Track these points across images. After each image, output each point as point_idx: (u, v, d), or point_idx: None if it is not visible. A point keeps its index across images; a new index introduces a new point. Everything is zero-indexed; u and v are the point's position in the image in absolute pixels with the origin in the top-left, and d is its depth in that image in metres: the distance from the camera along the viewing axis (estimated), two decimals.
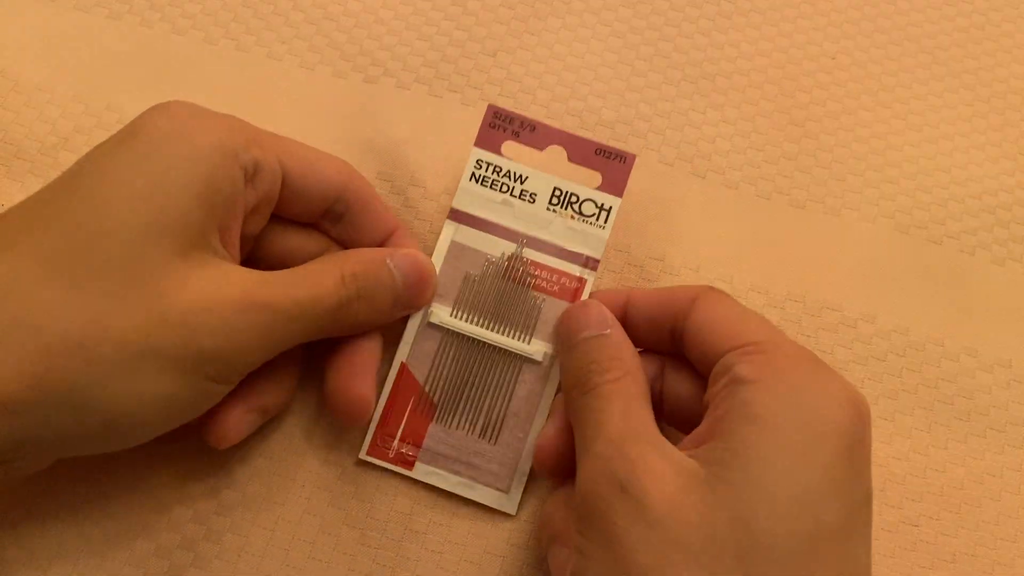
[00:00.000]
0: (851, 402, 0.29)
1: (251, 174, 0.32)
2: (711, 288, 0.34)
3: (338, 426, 0.38)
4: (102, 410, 0.28)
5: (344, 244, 0.37)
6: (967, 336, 0.42)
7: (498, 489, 0.36)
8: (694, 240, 0.42)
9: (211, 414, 0.33)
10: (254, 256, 0.36)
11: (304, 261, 0.35)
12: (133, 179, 0.29)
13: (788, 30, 0.48)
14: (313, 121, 0.43)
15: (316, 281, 0.33)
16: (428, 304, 0.37)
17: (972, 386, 0.41)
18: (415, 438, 0.37)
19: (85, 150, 0.31)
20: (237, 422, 0.34)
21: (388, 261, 0.35)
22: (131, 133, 0.31)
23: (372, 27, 0.46)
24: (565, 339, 0.35)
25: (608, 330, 0.34)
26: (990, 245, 0.44)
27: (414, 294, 0.36)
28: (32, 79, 0.43)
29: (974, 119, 0.47)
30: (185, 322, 0.29)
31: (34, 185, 0.40)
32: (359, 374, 0.35)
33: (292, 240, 0.36)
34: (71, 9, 0.45)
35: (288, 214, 0.35)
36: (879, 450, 0.39)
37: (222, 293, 0.30)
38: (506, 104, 0.44)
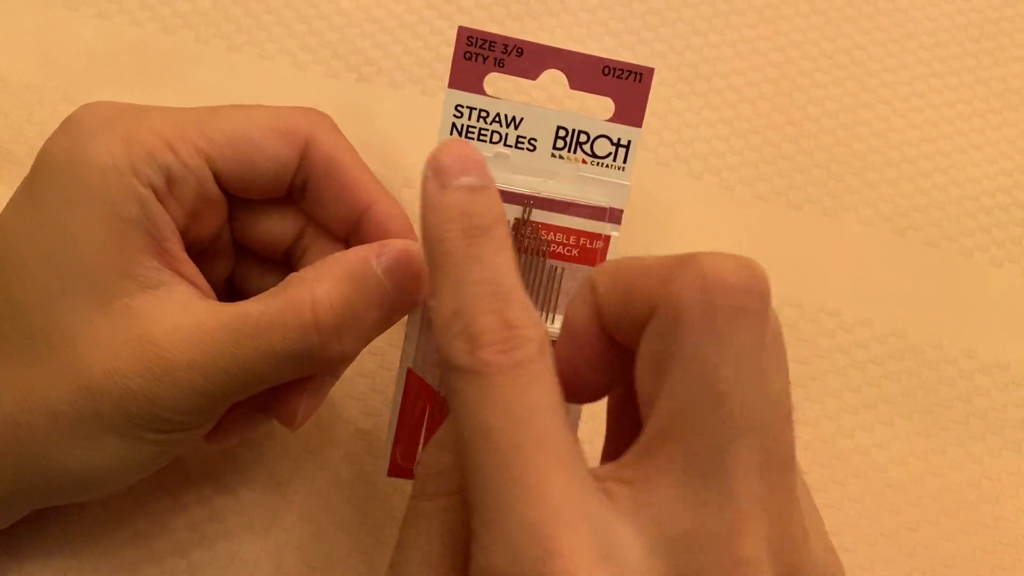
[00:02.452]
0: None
1: (164, 188, 0.28)
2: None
3: (332, 431, 0.37)
4: (58, 476, 0.27)
5: (316, 221, 0.32)
6: (965, 339, 0.41)
7: None
8: (690, 242, 0.42)
9: (277, 395, 0.30)
10: (232, 247, 0.33)
11: (284, 246, 0.32)
12: (36, 233, 0.27)
13: (785, 29, 0.48)
14: None
15: (269, 325, 0.27)
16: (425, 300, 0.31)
17: (970, 389, 0.41)
18: None
19: None
20: (304, 401, 0.31)
21: (374, 265, 0.28)
22: (35, 170, 0.28)
23: (365, 26, 0.46)
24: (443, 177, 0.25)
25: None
26: (988, 247, 0.43)
27: (410, 299, 0.30)
28: (20, 79, 0.43)
29: (973, 119, 0.47)
30: (103, 390, 0.26)
31: None
32: (304, 385, 0.31)
33: (264, 220, 0.32)
34: (59, 7, 0.44)
35: (251, 197, 0.31)
36: (878, 454, 0.39)
37: (140, 355, 0.27)
38: None
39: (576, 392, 0.25)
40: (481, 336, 0.22)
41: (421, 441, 0.32)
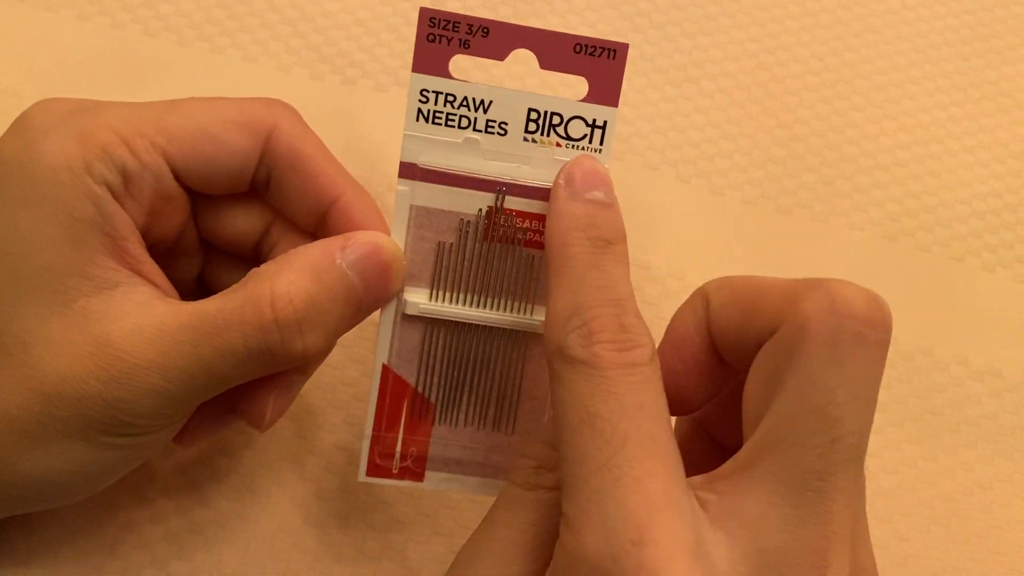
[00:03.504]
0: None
1: (120, 186, 0.27)
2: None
3: (313, 440, 0.37)
4: (19, 482, 0.27)
5: (283, 215, 0.31)
6: (957, 345, 0.41)
7: None
8: (679, 247, 0.42)
9: (244, 394, 0.30)
10: (199, 245, 0.32)
11: (252, 241, 0.31)
12: None
13: (775, 31, 0.47)
14: None
15: (228, 322, 0.26)
16: (398, 293, 0.30)
17: (962, 396, 0.40)
18: (419, 446, 0.31)
19: None
20: (272, 401, 0.30)
21: (339, 260, 0.28)
22: None
23: (350, 28, 0.45)
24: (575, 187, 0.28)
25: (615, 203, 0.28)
26: (980, 252, 0.43)
27: (379, 293, 0.29)
28: None
29: (964, 122, 0.46)
30: (61, 393, 0.26)
31: None
32: (272, 384, 0.30)
33: (228, 216, 0.31)
34: (40, 10, 0.44)
35: (214, 192, 0.30)
36: (869, 463, 0.38)
37: (97, 357, 0.26)
38: None
39: (671, 403, 0.26)
40: (599, 333, 0.24)
41: (399, 439, 0.31)
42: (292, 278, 0.27)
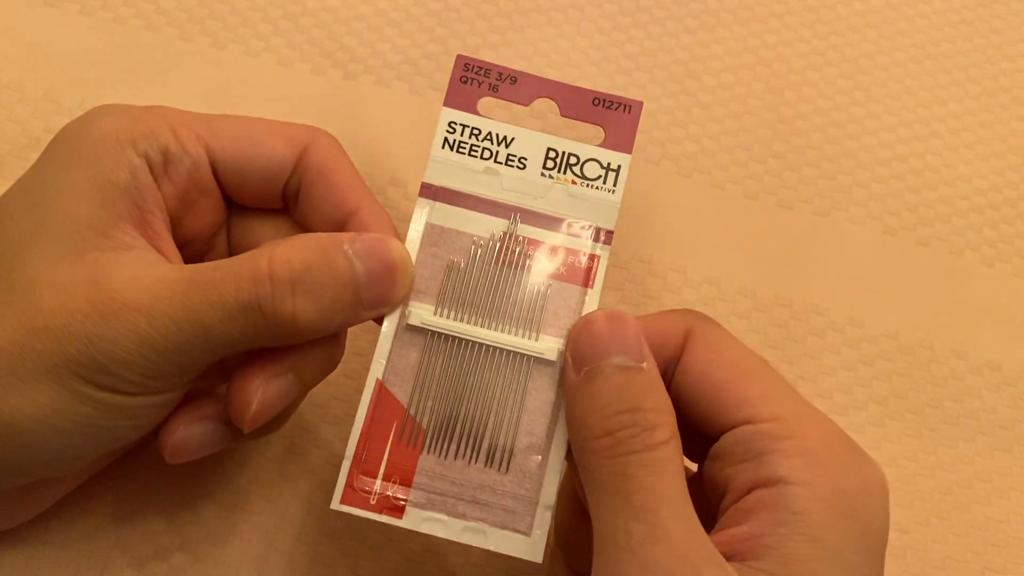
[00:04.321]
0: (883, 491, 0.27)
1: (159, 163, 0.29)
2: (702, 321, 0.29)
3: (306, 457, 0.37)
4: None
5: (305, 229, 0.32)
6: (956, 339, 0.41)
7: (517, 531, 0.29)
8: (680, 242, 0.42)
9: (162, 424, 0.30)
10: (230, 254, 0.33)
11: None
12: (27, 188, 0.28)
13: (776, 27, 0.47)
14: (291, 119, 0.42)
15: (224, 276, 0.27)
16: (404, 303, 0.30)
17: (961, 389, 0.40)
18: (403, 475, 0.29)
19: None
20: (186, 432, 0.29)
21: (346, 247, 0.28)
22: (48, 146, 0.30)
23: (352, 23, 0.45)
24: (583, 359, 0.28)
25: (645, 363, 0.27)
26: (979, 246, 0.43)
27: (382, 289, 0.29)
28: (1, 77, 0.42)
29: (964, 117, 0.46)
30: (48, 327, 0.26)
31: (4, 188, 0.39)
32: (263, 371, 0.29)
33: (259, 231, 0.32)
34: (41, 5, 0.44)
35: (249, 202, 0.32)
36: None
37: (91, 296, 0.26)
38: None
39: None
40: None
41: (382, 466, 0.29)
42: (294, 247, 0.28)
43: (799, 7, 0.48)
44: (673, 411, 0.27)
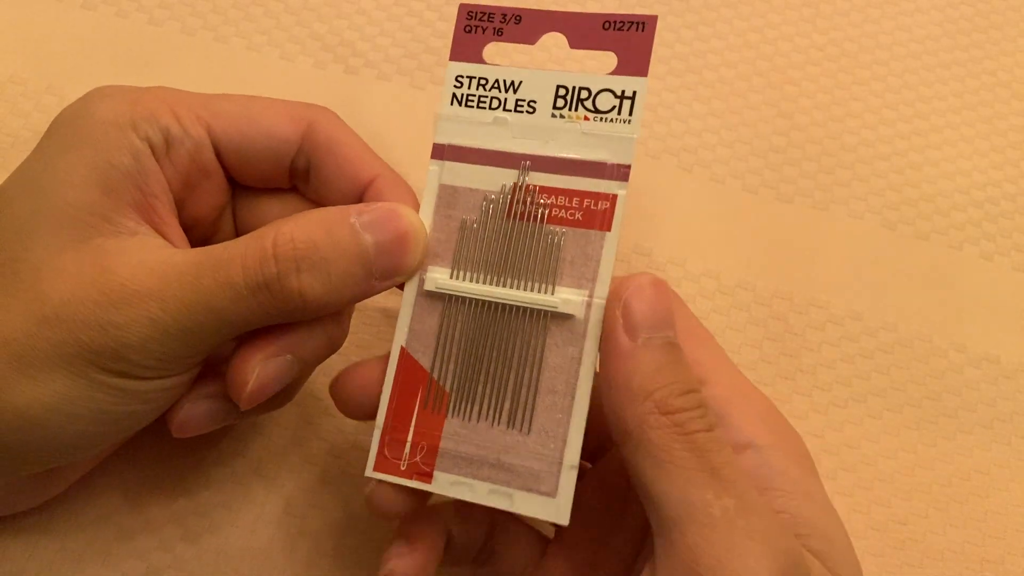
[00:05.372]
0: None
1: (161, 146, 0.29)
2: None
3: (318, 425, 0.37)
4: (6, 419, 0.26)
5: (318, 205, 0.32)
6: (955, 332, 0.41)
7: (541, 493, 0.28)
8: (680, 235, 0.42)
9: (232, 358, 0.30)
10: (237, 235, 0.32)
11: None
12: (27, 173, 0.28)
13: (776, 22, 0.48)
14: None
15: (231, 256, 0.27)
16: (421, 269, 0.29)
17: (960, 382, 0.40)
18: (430, 440, 0.29)
19: None
20: (192, 409, 0.30)
21: (353, 219, 0.28)
22: (49, 129, 0.29)
23: (353, 17, 0.45)
24: (639, 326, 0.26)
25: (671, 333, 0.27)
26: (978, 240, 0.43)
27: (394, 259, 0.28)
28: (4, 71, 0.42)
29: (963, 112, 0.46)
30: (59, 316, 0.26)
31: None
32: (263, 348, 0.29)
33: (265, 211, 0.32)
34: None
35: (254, 182, 0.32)
36: (868, 448, 0.39)
37: (100, 283, 0.26)
38: None
39: None
40: None
41: (410, 433, 0.29)
42: (299, 224, 0.27)
43: (799, 2, 0.48)
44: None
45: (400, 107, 0.43)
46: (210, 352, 0.28)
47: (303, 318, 0.28)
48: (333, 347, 0.31)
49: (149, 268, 0.27)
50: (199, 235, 0.32)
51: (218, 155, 0.30)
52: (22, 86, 0.42)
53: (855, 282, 0.42)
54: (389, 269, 0.28)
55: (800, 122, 0.45)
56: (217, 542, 0.35)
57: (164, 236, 0.29)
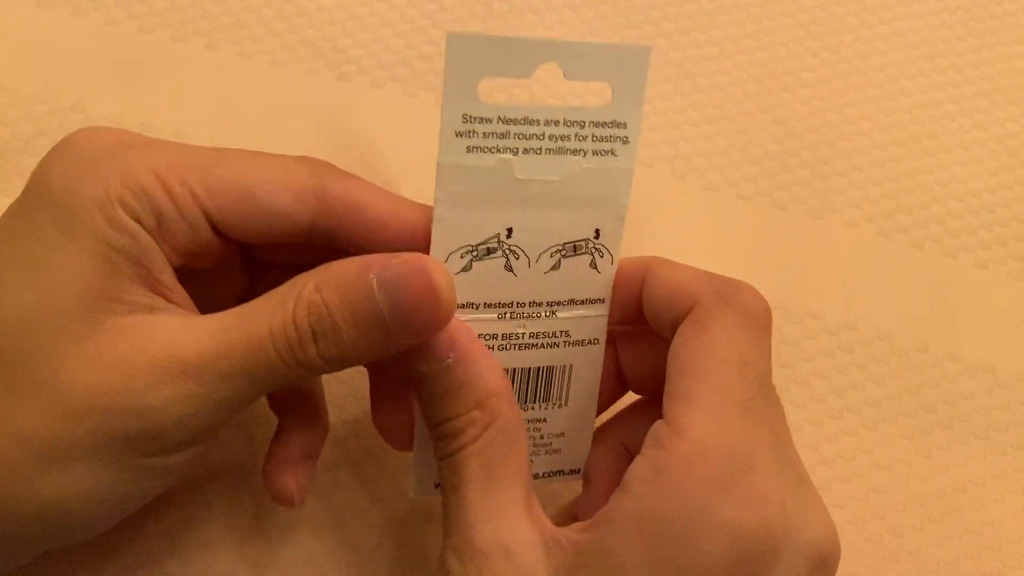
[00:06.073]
0: (733, 544, 0.25)
1: (155, 228, 0.27)
2: (718, 298, 0.29)
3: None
4: (35, 512, 0.25)
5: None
6: (950, 341, 0.41)
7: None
8: (673, 243, 0.42)
9: (266, 475, 0.32)
10: (241, 269, 0.32)
11: (311, 265, 0.29)
12: (24, 259, 0.26)
13: (771, 27, 0.47)
14: (284, 120, 0.42)
15: (259, 322, 0.26)
16: (441, 328, 0.27)
17: (955, 392, 0.40)
18: None
19: None
20: (294, 477, 0.31)
21: (371, 277, 0.26)
22: (31, 193, 0.27)
23: (345, 24, 0.45)
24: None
25: (450, 356, 0.27)
26: (973, 248, 0.43)
27: (412, 323, 0.26)
28: None
29: (959, 118, 0.46)
30: (88, 408, 0.25)
31: None
32: (289, 461, 0.31)
33: (288, 253, 0.31)
34: (32, 6, 0.44)
35: (263, 256, 0.31)
36: (862, 459, 0.38)
37: (133, 366, 0.25)
38: None
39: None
40: None
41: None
42: (319, 284, 0.26)
43: (794, 7, 0.48)
44: (492, 389, 0.27)
45: (393, 114, 0.43)
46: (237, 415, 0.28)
47: (329, 372, 0.28)
48: (326, 432, 0.34)
49: (179, 343, 0.26)
50: (204, 272, 0.30)
51: (216, 229, 0.28)
52: (11, 94, 0.41)
53: (850, 290, 0.41)
54: (411, 329, 0.26)
55: (795, 129, 0.45)
56: (205, 557, 0.34)
57: (171, 302, 0.27)
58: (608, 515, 0.26)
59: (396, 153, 0.42)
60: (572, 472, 0.33)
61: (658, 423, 0.27)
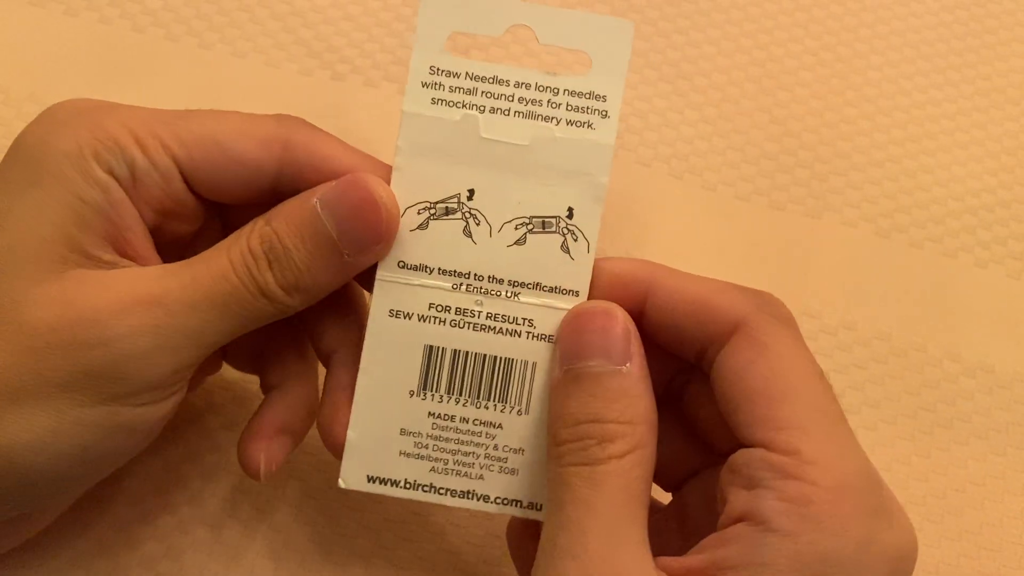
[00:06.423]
0: (892, 561, 0.24)
1: (128, 179, 0.27)
2: (764, 312, 0.27)
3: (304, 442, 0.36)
4: (5, 455, 0.25)
5: None
6: (950, 341, 0.41)
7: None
8: (671, 243, 0.41)
9: (238, 445, 0.31)
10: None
11: None
12: None
13: (769, 27, 0.47)
14: None
15: (219, 255, 0.27)
16: (389, 240, 0.28)
17: (955, 392, 0.40)
18: None
19: None
20: (265, 450, 0.30)
21: (314, 200, 0.27)
22: (7, 156, 0.28)
23: (340, 23, 0.45)
24: (564, 356, 0.27)
25: (627, 364, 0.26)
26: (972, 248, 0.43)
27: (357, 231, 0.27)
28: None
29: (958, 118, 0.46)
30: (48, 343, 0.25)
31: None
32: (261, 433, 0.30)
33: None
34: (25, 5, 0.43)
35: (231, 201, 0.30)
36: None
37: (97, 301, 0.25)
38: None
39: None
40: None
41: None
42: (272, 215, 0.28)
43: (792, 7, 0.48)
44: (648, 418, 0.26)
45: (387, 114, 0.43)
46: (199, 364, 0.28)
47: (290, 313, 0.28)
48: (312, 414, 0.32)
49: (143, 280, 0.26)
50: (178, 253, 0.30)
51: (188, 184, 0.29)
52: (3, 94, 0.41)
53: (848, 291, 0.41)
54: (357, 242, 0.27)
55: (793, 128, 0.45)
56: (199, 559, 0.34)
57: (139, 264, 0.28)
58: (753, 557, 0.23)
59: (390, 152, 0.41)
60: (530, 506, 0.29)
61: (762, 452, 0.25)
